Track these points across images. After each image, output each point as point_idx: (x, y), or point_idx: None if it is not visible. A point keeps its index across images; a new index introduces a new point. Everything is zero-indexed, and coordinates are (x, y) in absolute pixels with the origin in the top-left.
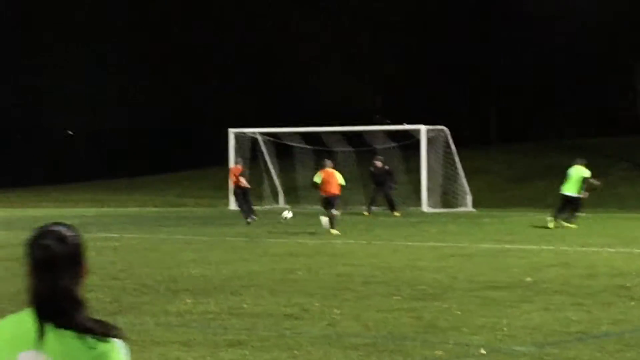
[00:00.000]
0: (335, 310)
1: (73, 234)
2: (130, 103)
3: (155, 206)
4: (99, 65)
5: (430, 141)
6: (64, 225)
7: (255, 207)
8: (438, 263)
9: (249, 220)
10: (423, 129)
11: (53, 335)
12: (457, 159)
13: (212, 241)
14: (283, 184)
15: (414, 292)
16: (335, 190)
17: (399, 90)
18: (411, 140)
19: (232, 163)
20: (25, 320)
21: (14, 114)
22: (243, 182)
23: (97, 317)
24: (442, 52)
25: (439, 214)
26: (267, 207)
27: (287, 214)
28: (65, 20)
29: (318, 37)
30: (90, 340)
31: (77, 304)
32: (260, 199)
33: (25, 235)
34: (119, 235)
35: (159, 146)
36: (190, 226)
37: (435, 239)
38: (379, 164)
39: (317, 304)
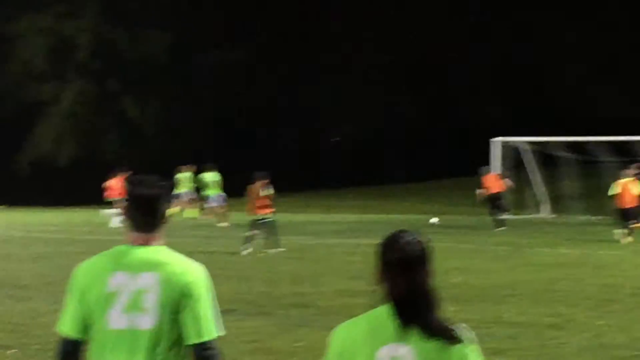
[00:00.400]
0: (600, 322)
1: (421, 239)
2: (386, 112)
3: (425, 213)
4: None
5: None
6: (411, 231)
7: (517, 216)
8: None
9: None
10: None
11: (413, 330)
12: None
13: (475, 249)
14: (548, 194)
15: None
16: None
17: None
18: None
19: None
20: (381, 316)
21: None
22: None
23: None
24: None
25: None
26: (530, 216)
27: (434, 220)
28: None
29: (588, 50)
30: (442, 342)
31: (432, 303)
32: (522, 207)
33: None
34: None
35: (416, 153)
36: (454, 234)
37: None
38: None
39: (581, 315)
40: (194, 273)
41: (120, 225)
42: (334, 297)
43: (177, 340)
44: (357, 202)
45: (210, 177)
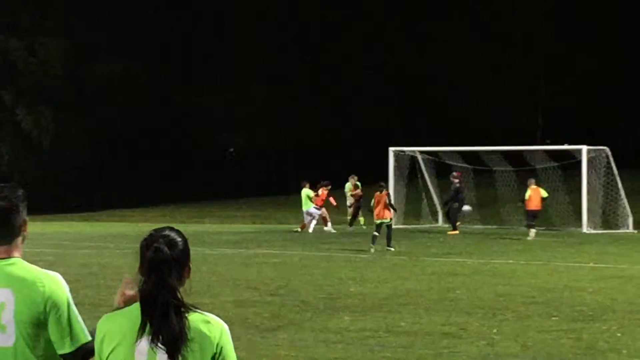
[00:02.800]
0: (494, 330)
1: (181, 239)
2: (290, 123)
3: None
4: (266, 85)
5: (591, 161)
6: (174, 230)
7: (414, 226)
8: (598, 284)
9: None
10: (584, 149)
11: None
12: (618, 179)
13: (371, 259)
14: (442, 203)
15: (574, 313)
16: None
17: (560, 110)
18: (572, 160)
19: (392, 181)
20: (137, 310)
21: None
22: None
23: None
24: (613, 74)
25: (599, 234)
26: (426, 225)
27: (467, 208)
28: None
29: (480, 57)
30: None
31: (171, 306)
32: (418, 217)
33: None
34: (280, 251)
35: (319, 163)
36: (349, 244)
37: (594, 260)
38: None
39: (475, 324)
40: (51, 284)
41: None
42: (231, 308)
43: (46, 354)
44: (252, 212)
45: None
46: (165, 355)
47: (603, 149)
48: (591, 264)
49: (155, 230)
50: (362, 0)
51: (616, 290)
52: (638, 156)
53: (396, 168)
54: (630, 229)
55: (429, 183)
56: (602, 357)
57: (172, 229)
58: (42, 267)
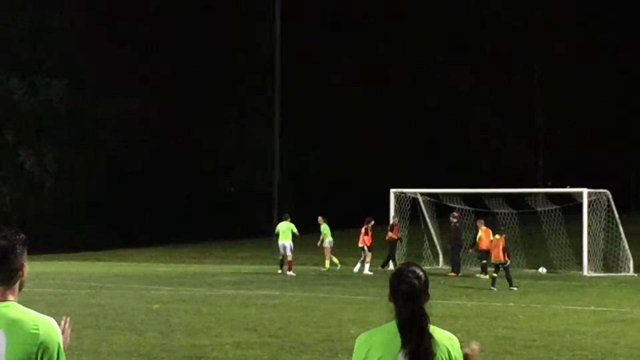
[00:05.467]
0: None
1: (423, 273)
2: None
3: (315, 264)
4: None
5: (592, 204)
6: (414, 265)
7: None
8: (599, 328)
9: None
10: (585, 192)
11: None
12: (619, 222)
13: (372, 300)
14: (443, 245)
15: (574, 357)
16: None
17: (562, 152)
18: (573, 203)
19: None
20: (394, 328)
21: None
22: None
23: None
24: (614, 118)
25: (599, 278)
26: (427, 267)
27: (542, 270)
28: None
29: (482, 99)
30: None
31: (425, 326)
32: (420, 259)
33: (186, 291)
34: (279, 292)
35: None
36: (349, 285)
37: (595, 304)
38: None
39: None
40: (46, 328)
41: None
42: (230, 349)
43: None
44: (251, 252)
45: None
46: None
47: (604, 192)
48: (592, 307)
49: (403, 264)
50: (363, 42)
51: (617, 334)
52: (639, 199)
53: (397, 210)
54: (631, 272)
55: (429, 224)
56: None
57: (415, 264)
58: (43, 307)
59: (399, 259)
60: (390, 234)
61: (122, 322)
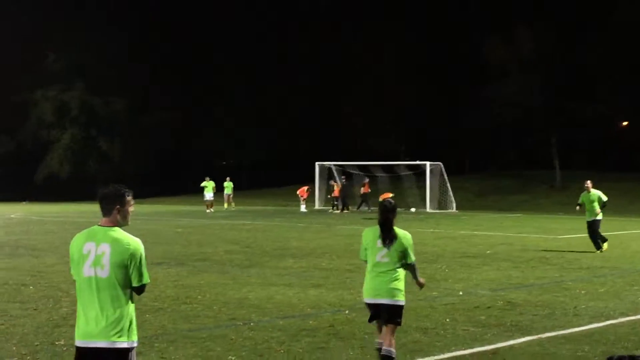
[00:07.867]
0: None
1: (393, 200)
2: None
3: (270, 205)
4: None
5: (432, 171)
6: (391, 199)
7: (324, 208)
8: (435, 241)
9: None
10: (427, 164)
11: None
12: (447, 180)
13: (306, 226)
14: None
15: (422, 258)
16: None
17: (419, 136)
18: (420, 170)
19: (317, 184)
20: (376, 228)
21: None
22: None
23: (236, 269)
24: (440, 116)
25: (436, 213)
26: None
27: (412, 210)
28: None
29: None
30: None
31: (392, 227)
32: (329, 204)
33: (197, 221)
34: (250, 222)
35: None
36: (290, 218)
37: (433, 227)
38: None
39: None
40: (133, 244)
41: None
42: (223, 254)
43: (125, 284)
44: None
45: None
46: (386, 247)
47: (438, 164)
48: (431, 230)
49: (385, 198)
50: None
51: (445, 245)
52: (458, 167)
53: (320, 175)
54: (454, 210)
55: (337, 182)
56: (437, 284)
57: (390, 199)
58: (137, 235)
59: (336, 204)
60: (362, 189)
61: (157, 239)
